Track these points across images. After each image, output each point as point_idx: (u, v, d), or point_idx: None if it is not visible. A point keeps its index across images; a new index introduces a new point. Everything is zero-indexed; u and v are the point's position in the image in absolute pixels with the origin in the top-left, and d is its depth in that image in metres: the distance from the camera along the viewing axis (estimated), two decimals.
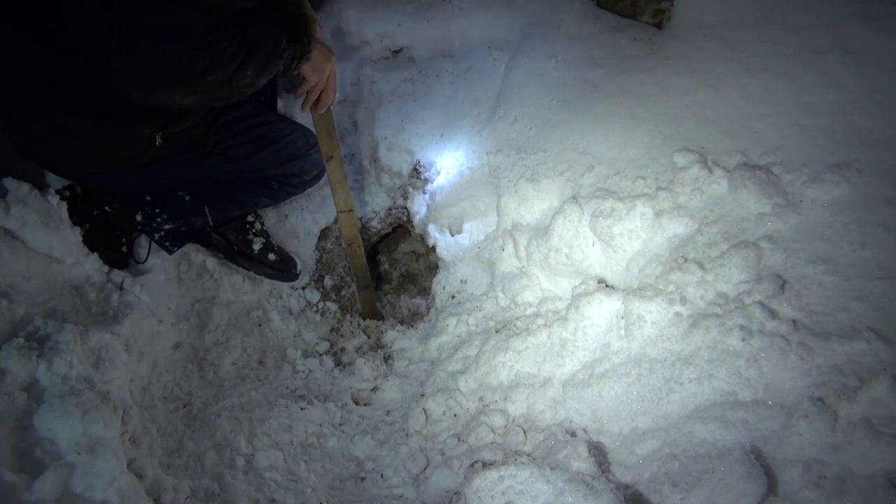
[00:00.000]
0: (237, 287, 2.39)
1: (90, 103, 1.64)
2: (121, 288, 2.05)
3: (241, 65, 1.52)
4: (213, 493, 1.75)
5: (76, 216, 1.98)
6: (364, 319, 2.61)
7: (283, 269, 2.49)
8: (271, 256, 2.45)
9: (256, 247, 2.43)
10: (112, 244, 2.07)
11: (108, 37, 1.40)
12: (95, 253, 2.01)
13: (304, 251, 2.63)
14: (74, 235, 1.95)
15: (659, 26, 2.36)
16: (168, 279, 2.20)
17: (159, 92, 1.51)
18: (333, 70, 1.89)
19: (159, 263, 2.19)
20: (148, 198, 2.09)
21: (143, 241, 2.17)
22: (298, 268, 2.53)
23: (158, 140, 1.78)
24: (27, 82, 1.62)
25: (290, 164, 2.14)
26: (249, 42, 1.53)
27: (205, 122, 1.88)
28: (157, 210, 2.09)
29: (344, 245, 2.40)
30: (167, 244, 2.16)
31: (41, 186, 1.94)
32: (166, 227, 2.13)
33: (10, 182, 1.84)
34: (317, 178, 2.26)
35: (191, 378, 2.10)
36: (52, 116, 1.66)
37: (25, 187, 1.85)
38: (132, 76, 1.48)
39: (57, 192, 1.97)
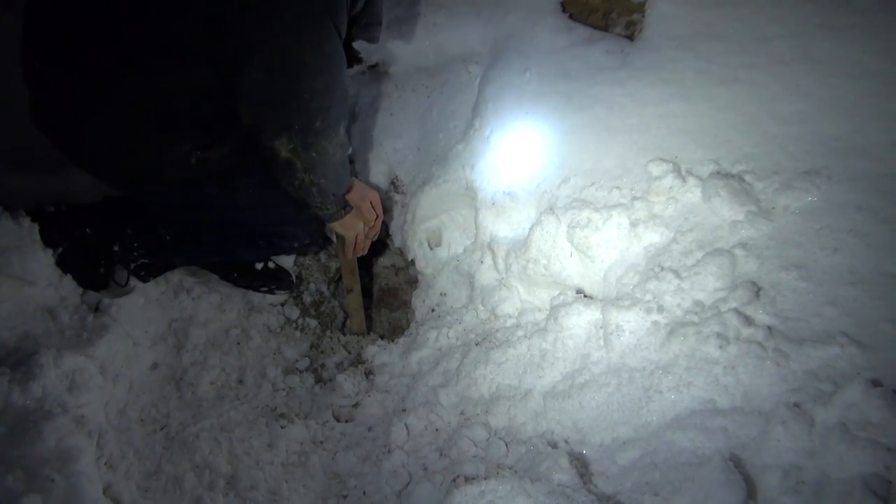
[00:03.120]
0: (215, 305, 2.37)
1: (151, 104, 1.65)
2: (96, 310, 2.03)
3: (336, 151, 1.74)
4: None
5: (56, 234, 1.95)
6: (345, 335, 2.60)
7: (283, 277, 2.54)
8: (270, 265, 2.49)
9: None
10: (90, 265, 2.04)
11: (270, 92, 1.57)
12: (69, 275, 1.98)
13: (282, 265, 2.62)
14: (47, 258, 1.92)
15: (631, 38, 2.39)
16: (148, 301, 2.18)
17: (275, 137, 1.65)
18: (363, 230, 2.13)
19: (140, 285, 2.17)
20: (129, 231, 2.07)
21: None
22: (293, 275, 2.58)
23: (194, 159, 1.78)
24: (96, 68, 1.61)
25: (286, 227, 2.19)
26: (346, 163, 1.86)
27: (237, 157, 1.86)
28: (136, 244, 2.09)
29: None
30: (142, 273, 2.15)
31: (11, 208, 1.91)
32: (142, 260, 2.12)
33: None
34: (307, 246, 2.36)
35: (168, 399, 2.07)
36: (110, 106, 1.66)
37: None
38: (272, 122, 1.63)
39: (28, 212, 1.95)
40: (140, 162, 1.78)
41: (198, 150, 1.76)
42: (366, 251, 2.26)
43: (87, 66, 1.61)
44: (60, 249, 1.96)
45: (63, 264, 1.97)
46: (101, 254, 2.06)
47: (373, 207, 2.11)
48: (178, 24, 1.52)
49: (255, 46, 1.52)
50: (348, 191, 1.99)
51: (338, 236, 2.18)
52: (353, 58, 2.00)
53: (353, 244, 2.17)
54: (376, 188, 2.40)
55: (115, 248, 2.07)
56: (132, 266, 2.12)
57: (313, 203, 1.87)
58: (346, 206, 1.98)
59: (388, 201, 2.68)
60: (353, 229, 2.10)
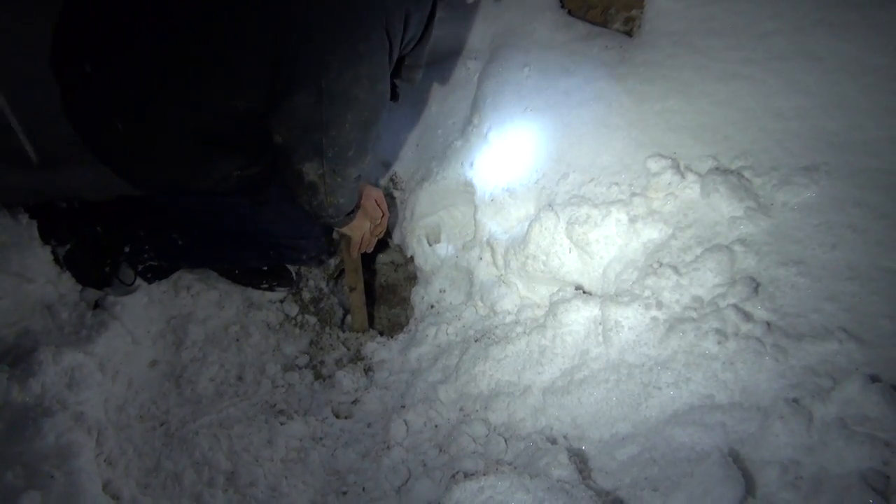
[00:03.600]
0: (214, 302, 2.37)
1: (202, 127, 1.65)
2: (95, 307, 2.03)
3: (357, 175, 1.79)
4: None
5: (65, 230, 1.95)
6: (344, 332, 2.60)
7: (283, 274, 2.54)
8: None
9: None
10: (95, 263, 2.04)
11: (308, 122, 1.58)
12: (68, 272, 1.98)
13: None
14: (45, 254, 1.92)
15: (630, 34, 2.39)
16: (151, 300, 2.18)
17: (306, 160, 1.67)
18: (369, 229, 2.16)
19: (144, 284, 2.18)
20: (141, 233, 2.07)
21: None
22: (293, 272, 2.58)
23: (235, 178, 1.79)
24: (151, 84, 1.58)
25: (299, 241, 2.20)
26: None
27: (268, 173, 1.87)
28: (147, 247, 2.09)
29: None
30: (149, 276, 2.15)
31: (10, 205, 1.91)
32: (151, 262, 2.12)
33: None
34: (313, 259, 2.34)
35: (168, 396, 2.07)
36: (160, 124, 1.64)
37: None
38: (306, 147, 1.64)
39: (26, 209, 1.94)
40: (178, 175, 1.78)
41: (237, 170, 1.78)
42: (371, 248, 2.27)
43: (142, 81, 1.58)
44: (68, 246, 1.96)
45: (69, 260, 1.97)
46: (108, 253, 2.06)
47: (378, 206, 2.14)
48: (243, 59, 1.51)
49: (311, 75, 1.50)
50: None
51: (342, 235, 2.19)
52: (392, 95, 2.02)
53: (358, 243, 2.18)
54: (377, 186, 2.41)
55: (126, 250, 2.07)
56: (140, 267, 2.13)
57: (325, 216, 1.88)
58: (353, 212, 2.00)
59: (388, 198, 2.68)
60: (360, 230, 2.13)
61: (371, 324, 2.66)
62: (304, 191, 1.76)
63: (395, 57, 1.65)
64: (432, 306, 2.44)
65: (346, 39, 1.48)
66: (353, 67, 1.51)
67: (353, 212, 2.00)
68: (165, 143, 1.68)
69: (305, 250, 2.26)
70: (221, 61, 1.52)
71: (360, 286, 2.45)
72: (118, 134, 1.67)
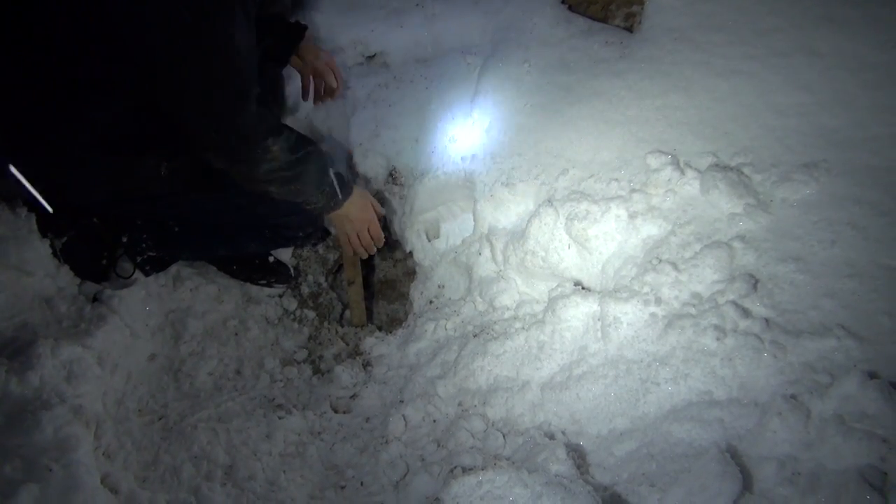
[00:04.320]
0: (212, 296, 2.37)
1: (101, 136, 1.65)
2: (93, 300, 2.03)
3: (289, 175, 1.71)
4: None
5: (63, 223, 1.95)
6: (343, 327, 2.60)
7: (282, 271, 2.53)
8: (270, 259, 2.49)
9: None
10: (94, 255, 2.04)
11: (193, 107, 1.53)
12: (66, 265, 1.98)
13: (280, 258, 2.62)
14: (44, 247, 1.92)
15: (630, 30, 2.38)
16: (148, 294, 2.18)
17: (208, 151, 1.64)
18: (356, 231, 2.10)
19: (141, 277, 2.18)
20: (139, 222, 2.07)
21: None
22: (291, 268, 2.58)
23: (163, 170, 1.77)
24: (44, 116, 1.61)
25: (288, 218, 2.17)
26: (302, 166, 1.73)
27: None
28: (145, 236, 2.09)
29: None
30: (147, 268, 2.15)
31: (8, 198, 1.90)
32: (150, 253, 2.12)
33: None
34: (311, 236, 2.33)
35: (166, 390, 2.07)
36: (66, 149, 1.66)
37: None
38: (204, 140, 1.61)
39: (25, 202, 1.94)
40: (114, 183, 1.79)
41: (164, 161, 1.77)
42: (372, 248, 2.19)
43: (36, 109, 1.61)
44: (65, 238, 1.96)
45: (67, 253, 1.97)
46: (105, 245, 2.06)
47: (370, 207, 2.10)
48: (105, 63, 1.52)
49: (158, 66, 1.47)
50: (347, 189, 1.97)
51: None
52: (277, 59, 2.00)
53: (347, 238, 2.14)
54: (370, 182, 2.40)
55: (124, 240, 2.07)
56: (139, 259, 2.13)
57: (297, 199, 1.85)
58: (336, 197, 1.93)
59: (387, 194, 2.68)
60: (343, 228, 2.08)
61: (370, 319, 2.66)
62: (237, 176, 1.72)
63: (237, 11, 1.49)
64: (431, 301, 2.44)
65: (173, 21, 1.40)
66: (188, 46, 1.43)
67: (335, 198, 1.93)
68: (80, 153, 1.68)
69: (300, 227, 2.23)
70: (88, 67, 1.53)
71: (359, 280, 2.45)
72: (39, 166, 1.70)
